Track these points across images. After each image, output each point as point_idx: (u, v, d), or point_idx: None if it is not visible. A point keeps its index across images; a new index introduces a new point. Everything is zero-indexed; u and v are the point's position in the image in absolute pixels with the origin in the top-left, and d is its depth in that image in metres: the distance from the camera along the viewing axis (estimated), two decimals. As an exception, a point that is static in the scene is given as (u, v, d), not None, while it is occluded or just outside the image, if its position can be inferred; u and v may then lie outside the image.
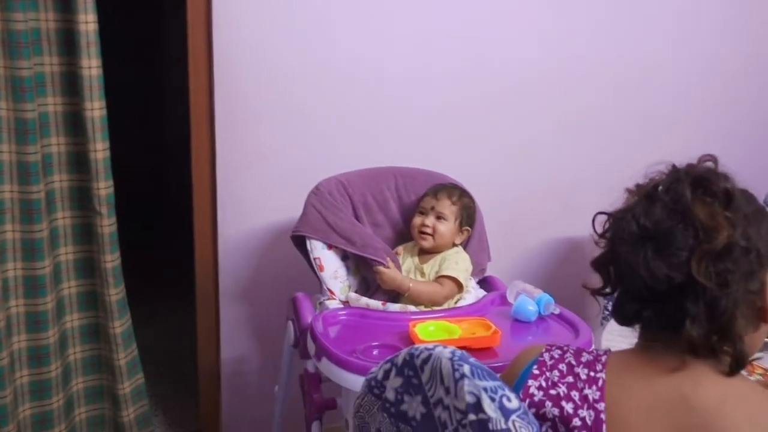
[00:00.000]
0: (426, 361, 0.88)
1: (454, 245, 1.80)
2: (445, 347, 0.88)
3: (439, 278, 1.73)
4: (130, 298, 1.96)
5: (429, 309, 1.69)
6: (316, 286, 1.93)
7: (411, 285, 1.70)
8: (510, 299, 1.72)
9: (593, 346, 1.51)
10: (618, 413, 0.84)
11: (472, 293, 1.78)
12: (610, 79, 2.33)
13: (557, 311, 1.64)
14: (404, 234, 1.90)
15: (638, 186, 0.92)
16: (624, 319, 0.91)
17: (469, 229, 1.83)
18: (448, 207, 1.78)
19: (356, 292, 1.77)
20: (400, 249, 1.85)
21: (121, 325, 1.92)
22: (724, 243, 0.81)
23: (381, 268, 1.71)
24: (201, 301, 2.18)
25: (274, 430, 2.09)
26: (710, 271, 0.80)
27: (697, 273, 0.80)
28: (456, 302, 1.74)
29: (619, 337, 1.76)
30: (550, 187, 2.36)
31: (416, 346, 0.91)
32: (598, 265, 0.91)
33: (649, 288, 0.83)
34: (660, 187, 0.88)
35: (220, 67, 1.95)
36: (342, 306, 1.70)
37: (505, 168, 2.29)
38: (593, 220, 0.94)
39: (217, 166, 2.02)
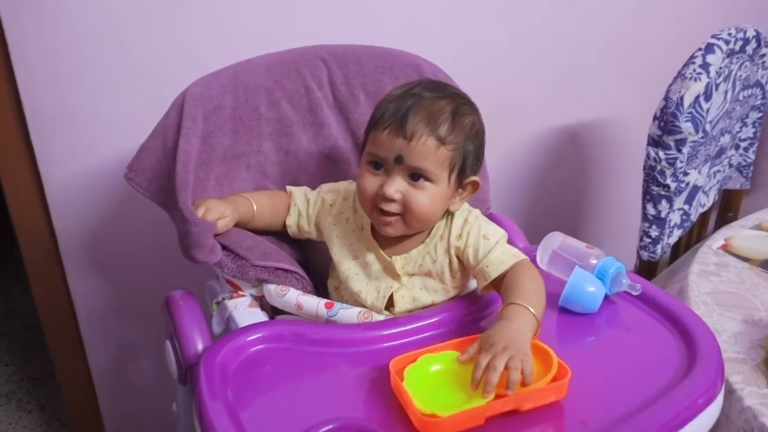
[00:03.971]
0: None
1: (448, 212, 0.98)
2: None
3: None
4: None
5: (407, 312, 0.94)
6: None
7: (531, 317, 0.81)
8: (542, 265, 1.02)
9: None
10: None
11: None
12: None
13: (638, 290, 0.94)
14: (352, 163, 1.13)
15: None
16: None
17: (476, 180, 0.96)
18: (433, 154, 0.88)
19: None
20: (327, 191, 1.05)
21: None
22: None
23: None
24: (36, 281, 1.39)
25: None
26: None
27: None
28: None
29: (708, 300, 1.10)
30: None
31: None
32: None
33: None
34: None
35: None
36: (256, 312, 0.95)
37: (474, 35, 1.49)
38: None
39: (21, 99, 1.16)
